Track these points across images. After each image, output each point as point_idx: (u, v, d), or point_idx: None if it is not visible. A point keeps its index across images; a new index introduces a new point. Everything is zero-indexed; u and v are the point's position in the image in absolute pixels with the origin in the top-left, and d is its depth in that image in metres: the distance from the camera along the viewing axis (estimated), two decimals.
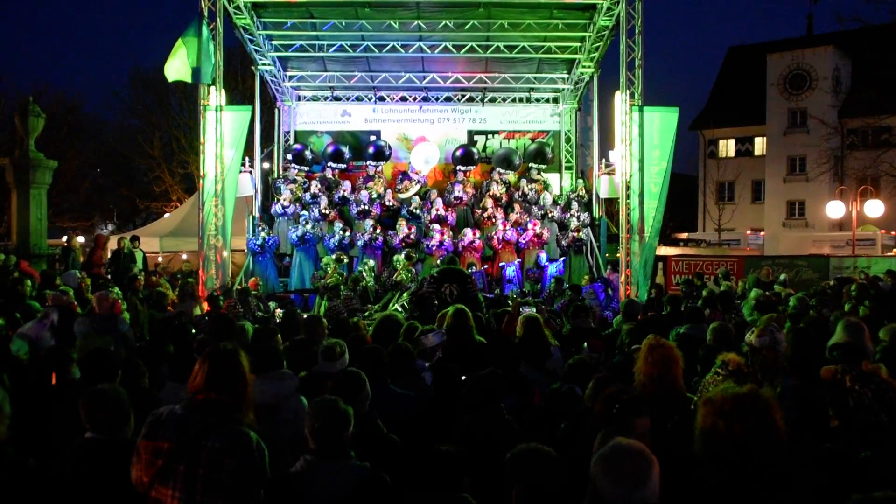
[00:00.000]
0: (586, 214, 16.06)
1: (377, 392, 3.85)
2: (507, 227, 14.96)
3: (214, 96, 12.62)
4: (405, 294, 12.17)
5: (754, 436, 2.49)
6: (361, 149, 17.88)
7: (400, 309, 10.93)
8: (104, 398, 3.18)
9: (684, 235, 35.75)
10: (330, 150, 17.25)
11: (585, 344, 6.06)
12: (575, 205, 16.09)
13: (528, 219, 15.49)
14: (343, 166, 17.24)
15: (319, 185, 16.18)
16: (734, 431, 2.48)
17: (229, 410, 2.81)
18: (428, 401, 4.27)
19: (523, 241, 15.09)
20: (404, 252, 13.85)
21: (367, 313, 11.04)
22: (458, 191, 16.18)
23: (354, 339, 5.09)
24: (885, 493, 2.12)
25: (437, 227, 14.71)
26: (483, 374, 3.86)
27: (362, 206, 15.35)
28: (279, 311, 10.88)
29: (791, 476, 2.51)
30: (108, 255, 15.03)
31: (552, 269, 14.47)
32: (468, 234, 14.65)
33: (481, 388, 3.78)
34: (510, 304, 10.08)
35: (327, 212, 15.41)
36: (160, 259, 18.10)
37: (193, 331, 7.10)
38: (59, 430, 3.61)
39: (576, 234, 15.08)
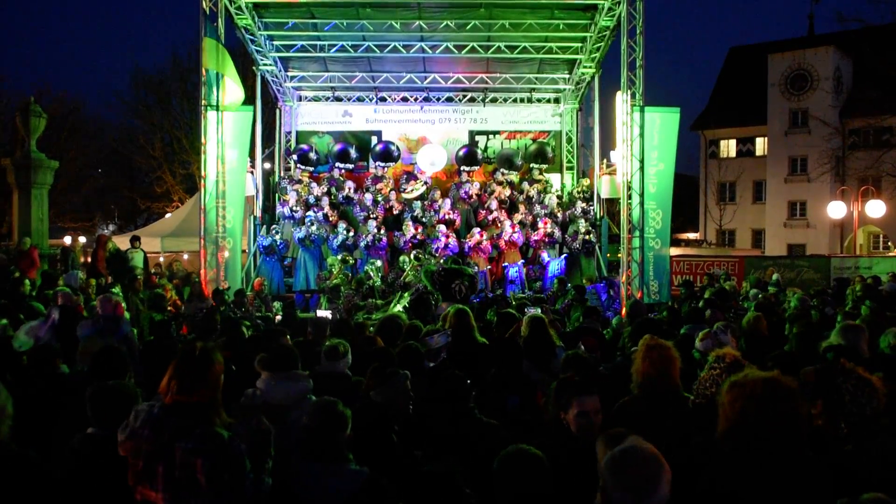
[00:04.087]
0: (592, 214, 16.05)
1: None
2: (516, 230, 14.95)
3: (216, 96, 12.63)
4: (406, 294, 12.16)
5: (783, 420, 2.49)
6: (363, 149, 17.88)
7: (402, 309, 10.92)
8: (108, 394, 3.20)
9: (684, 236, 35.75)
10: (337, 149, 17.25)
11: (580, 344, 6.08)
12: (582, 204, 16.07)
13: (539, 217, 15.48)
14: (350, 166, 17.24)
15: (321, 188, 16.18)
16: (765, 415, 2.48)
17: (202, 412, 2.82)
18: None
19: (534, 240, 15.09)
20: (413, 253, 13.84)
21: (370, 312, 11.04)
22: (469, 189, 16.19)
23: (364, 341, 5.07)
24: (874, 496, 2.12)
25: (442, 228, 14.70)
26: (445, 375, 3.81)
27: (366, 211, 15.35)
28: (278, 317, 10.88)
29: (808, 465, 2.51)
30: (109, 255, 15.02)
31: (553, 267, 14.44)
32: (476, 234, 14.63)
33: (444, 389, 3.73)
34: (513, 303, 10.06)
35: (329, 213, 15.40)
36: (161, 259, 18.12)
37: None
38: (63, 427, 3.62)
39: (587, 236, 15.05)
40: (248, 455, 2.91)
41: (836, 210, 26.19)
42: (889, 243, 32.22)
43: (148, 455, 2.75)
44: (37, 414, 3.78)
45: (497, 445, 3.42)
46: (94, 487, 2.98)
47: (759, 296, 10.14)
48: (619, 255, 13.12)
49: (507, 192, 16.58)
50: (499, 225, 15.26)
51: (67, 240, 20.29)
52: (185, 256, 18.27)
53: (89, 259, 15.84)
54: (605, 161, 17.05)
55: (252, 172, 15.85)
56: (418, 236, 14.67)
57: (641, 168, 12.27)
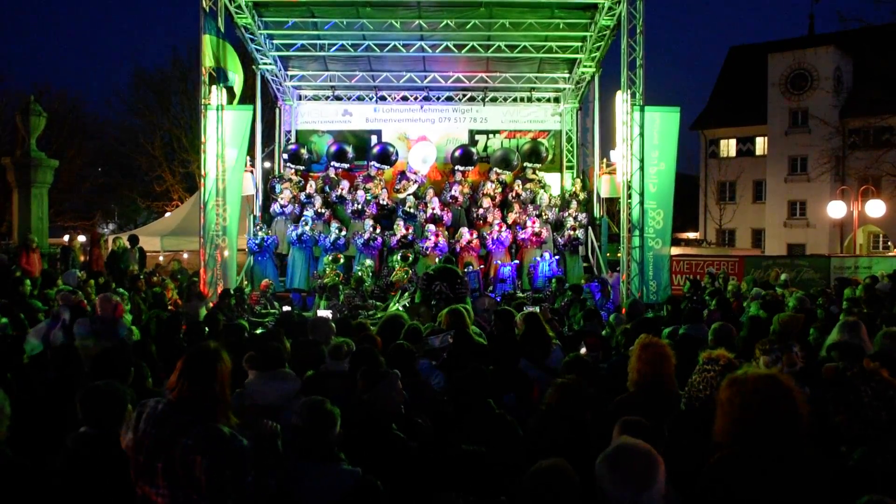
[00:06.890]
0: (584, 214, 16.05)
1: None
2: (503, 229, 14.93)
3: (215, 95, 12.63)
4: (405, 294, 12.17)
5: (782, 417, 2.50)
6: (363, 148, 17.88)
7: (401, 309, 10.93)
8: (97, 394, 3.18)
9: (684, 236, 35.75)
10: (333, 149, 17.24)
11: (582, 344, 6.08)
12: (574, 204, 16.07)
13: (526, 217, 15.48)
14: (346, 165, 17.23)
15: (314, 185, 16.20)
16: (765, 412, 2.49)
17: (206, 409, 2.81)
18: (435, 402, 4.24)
19: (521, 239, 15.08)
20: (401, 253, 13.83)
21: (371, 312, 11.06)
22: (455, 191, 16.17)
23: (363, 339, 5.06)
24: (874, 497, 2.12)
25: (431, 227, 14.68)
26: (465, 373, 3.82)
27: (357, 206, 15.35)
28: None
29: (807, 464, 2.52)
30: (107, 254, 15.04)
31: (544, 267, 14.42)
32: (465, 234, 14.64)
33: (464, 387, 3.73)
34: (503, 304, 10.09)
35: (322, 212, 15.41)
36: (161, 258, 18.11)
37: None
38: (67, 429, 3.62)
39: (572, 232, 15.06)
40: (252, 455, 2.89)
41: (836, 210, 26.17)
42: (889, 243, 32.22)
43: (149, 451, 2.74)
44: (36, 416, 3.78)
45: (512, 440, 3.44)
46: (89, 485, 2.97)
47: (764, 294, 10.08)
48: (619, 255, 13.12)
49: (499, 189, 16.52)
50: (489, 222, 15.24)
51: (67, 239, 20.27)
52: (185, 255, 18.27)
53: (89, 258, 15.85)
54: (604, 160, 17.05)
55: (252, 172, 15.85)
56: (409, 236, 14.67)
57: (641, 168, 12.28)
